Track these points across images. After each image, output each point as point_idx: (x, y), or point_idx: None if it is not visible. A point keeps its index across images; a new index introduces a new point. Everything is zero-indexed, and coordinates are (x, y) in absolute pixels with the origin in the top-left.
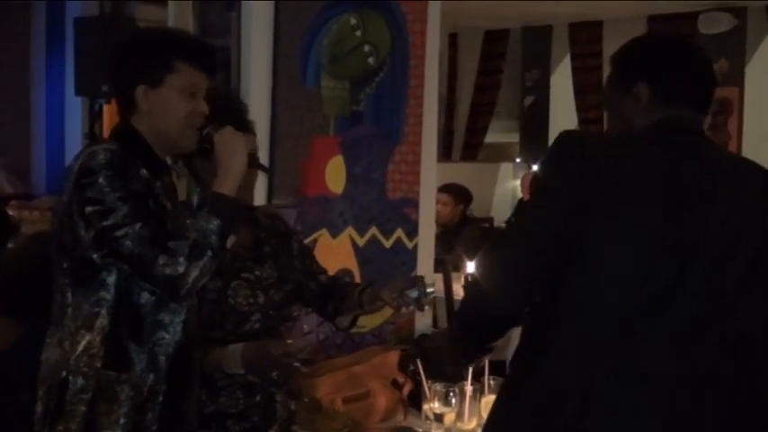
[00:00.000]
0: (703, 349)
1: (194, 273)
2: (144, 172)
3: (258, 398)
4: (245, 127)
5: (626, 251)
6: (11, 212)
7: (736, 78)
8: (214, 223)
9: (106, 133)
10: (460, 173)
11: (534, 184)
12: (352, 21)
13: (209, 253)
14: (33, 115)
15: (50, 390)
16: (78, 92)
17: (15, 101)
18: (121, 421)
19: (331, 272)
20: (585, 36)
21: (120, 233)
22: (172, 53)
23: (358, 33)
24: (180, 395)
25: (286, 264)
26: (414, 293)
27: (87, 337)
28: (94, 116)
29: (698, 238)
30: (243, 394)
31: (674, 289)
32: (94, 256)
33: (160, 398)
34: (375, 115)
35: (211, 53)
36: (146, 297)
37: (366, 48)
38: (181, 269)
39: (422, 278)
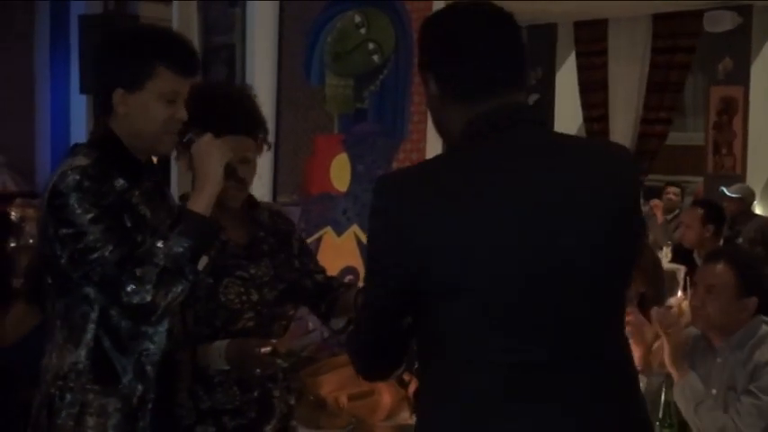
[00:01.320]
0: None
1: (164, 300)
2: (120, 182)
3: (255, 393)
4: (240, 130)
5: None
6: (14, 211)
7: (741, 77)
8: (184, 245)
9: None
10: None
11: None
12: (357, 18)
13: (181, 279)
14: (38, 113)
15: (43, 400)
16: (83, 89)
17: (19, 99)
18: None
19: (336, 270)
20: (590, 34)
21: (92, 257)
22: (154, 57)
23: (362, 31)
24: (168, 399)
25: (283, 262)
26: None
27: (74, 352)
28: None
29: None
30: (239, 390)
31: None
32: (72, 275)
33: (150, 405)
34: (379, 113)
35: (195, 57)
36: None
37: (370, 45)
38: (148, 297)
39: None
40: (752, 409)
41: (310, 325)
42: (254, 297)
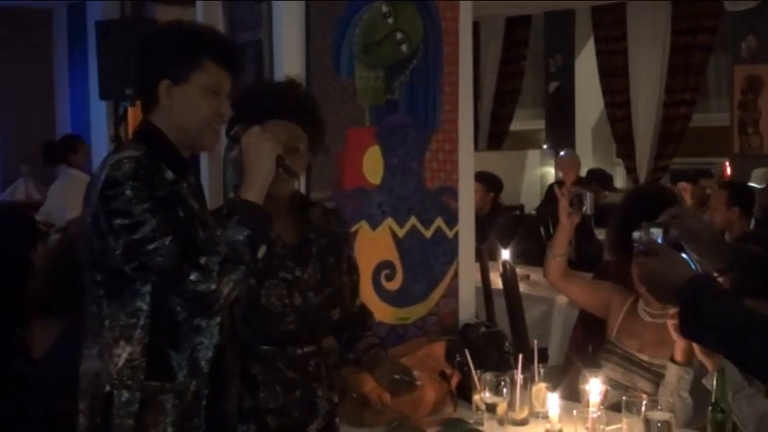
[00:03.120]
0: None
1: (227, 288)
2: (170, 174)
3: (298, 393)
4: (286, 115)
5: None
6: (38, 219)
7: (766, 55)
8: (244, 234)
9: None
10: (487, 162)
11: None
12: (384, 9)
13: (242, 267)
14: (58, 120)
15: (93, 403)
16: (103, 95)
17: (40, 108)
18: (169, 430)
19: (372, 265)
20: (609, 19)
21: (150, 247)
22: (200, 50)
23: (390, 21)
24: (221, 396)
25: (333, 266)
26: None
27: (128, 349)
28: (119, 119)
29: None
30: (282, 389)
31: None
32: (125, 268)
33: (204, 402)
34: (410, 104)
35: (239, 53)
36: (180, 304)
37: (398, 35)
38: (213, 285)
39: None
40: None
41: None
42: (298, 301)
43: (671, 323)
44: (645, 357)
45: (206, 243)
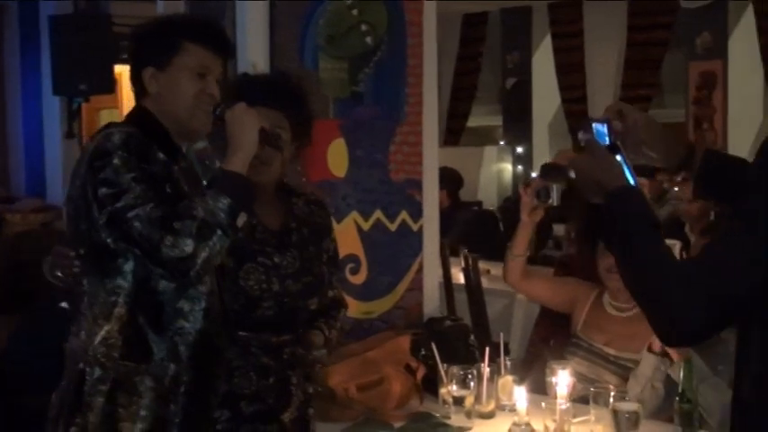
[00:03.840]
0: None
1: (203, 253)
2: (161, 156)
3: (272, 380)
4: (270, 102)
5: None
6: None
7: (720, 51)
8: (223, 201)
9: (85, 132)
10: (444, 158)
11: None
12: (348, 0)
13: (219, 232)
14: (10, 117)
15: (67, 381)
16: (56, 91)
17: None
18: (142, 413)
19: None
20: (565, 15)
21: (131, 214)
22: (179, 34)
23: (354, 13)
24: (204, 386)
25: (313, 256)
26: None
27: (105, 327)
28: (73, 115)
29: None
30: (256, 375)
31: None
32: (108, 240)
33: (182, 389)
34: (375, 96)
35: (221, 33)
36: (164, 284)
37: (363, 27)
38: (188, 249)
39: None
40: None
41: None
42: (276, 287)
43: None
44: (612, 351)
45: (183, 208)
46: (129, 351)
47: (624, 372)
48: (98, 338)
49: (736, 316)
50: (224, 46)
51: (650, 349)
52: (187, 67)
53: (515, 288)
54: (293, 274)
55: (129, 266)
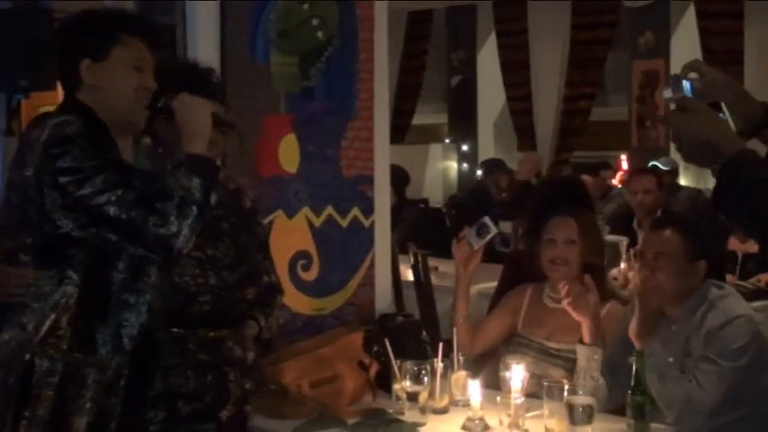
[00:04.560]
0: None
1: (185, 231)
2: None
3: (210, 377)
4: (206, 93)
5: None
6: None
7: (662, 50)
8: (196, 182)
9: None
10: (390, 156)
11: None
12: None
13: (195, 210)
14: None
15: (10, 373)
16: None
17: None
18: (88, 406)
19: (288, 255)
20: (510, 13)
21: (101, 200)
22: (116, 26)
23: (305, 7)
24: (144, 379)
25: (246, 244)
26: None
27: (52, 317)
28: (12, 112)
29: None
30: (194, 374)
31: None
32: (70, 227)
33: (122, 382)
34: (326, 91)
35: (155, 27)
36: (115, 275)
37: (314, 22)
38: (173, 228)
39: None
40: (712, 375)
41: None
42: (212, 280)
43: (566, 302)
44: (553, 345)
45: (159, 189)
46: (77, 343)
47: (569, 364)
48: (44, 329)
49: None
50: (157, 40)
51: (581, 341)
52: (125, 60)
53: (472, 352)
54: (229, 264)
55: (80, 256)
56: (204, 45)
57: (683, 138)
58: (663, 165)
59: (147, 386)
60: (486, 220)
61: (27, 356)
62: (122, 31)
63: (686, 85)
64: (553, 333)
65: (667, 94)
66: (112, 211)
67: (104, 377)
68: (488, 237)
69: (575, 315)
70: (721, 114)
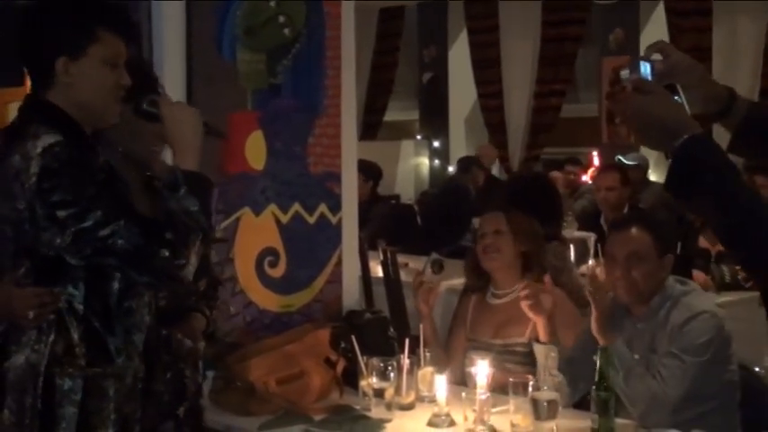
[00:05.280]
0: None
1: (193, 259)
2: (100, 159)
3: (169, 375)
4: (148, 85)
5: None
6: None
7: (632, 47)
8: (197, 204)
9: None
10: (361, 152)
11: None
12: None
13: (201, 236)
14: None
15: (25, 395)
16: None
17: None
18: (112, 417)
19: (255, 252)
20: (481, 11)
21: (104, 232)
22: (94, 20)
23: (272, 4)
24: (153, 377)
25: None
26: None
27: (66, 337)
28: None
29: None
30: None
31: None
32: (74, 259)
33: (140, 385)
34: (294, 88)
35: (131, 20)
36: (114, 286)
37: (281, 19)
38: (182, 259)
39: None
40: (676, 371)
41: (232, 309)
42: None
43: (524, 304)
44: (499, 341)
45: (167, 218)
46: (93, 357)
47: (520, 357)
48: (59, 348)
49: None
50: (134, 32)
51: (537, 339)
52: (102, 57)
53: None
54: None
55: (80, 274)
56: (170, 42)
57: (637, 119)
58: (628, 160)
59: (156, 383)
60: (438, 256)
61: (40, 380)
62: (101, 27)
63: (644, 67)
64: (498, 330)
65: (625, 74)
66: (119, 243)
67: (124, 385)
68: (442, 272)
69: (529, 314)
70: (677, 97)
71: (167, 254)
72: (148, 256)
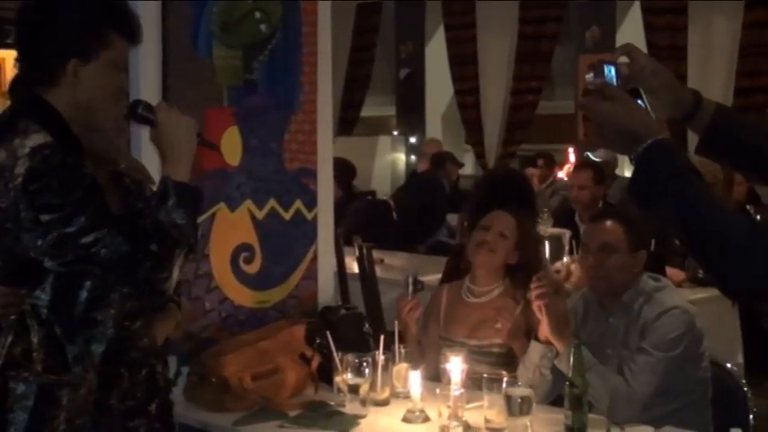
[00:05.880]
0: None
1: (176, 273)
2: (86, 164)
3: (143, 373)
4: None
5: None
6: None
7: (608, 45)
8: (185, 217)
9: None
10: (338, 147)
11: None
12: None
13: (186, 249)
14: None
15: None
16: None
17: None
18: (62, 427)
19: (230, 248)
20: (458, 7)
21: (88, 240)
22: (107, 24)
23: (248, 0)
24: (108, 390)
25: None
26: None
27: (26, 340)
28: None
29: None
30: (128, 371)
31: None
32: (54, 264)
33: (92, 398)
34: (270, 84)
35: (140, 24)
36: (83, 295)
37: (257, 14)
38: (166, 273)
39: None
40: (645, 366)
41: (207, 305)
42: None
43: (536, 305)
44: (475, 342)
45: (154, 229)
46: (50, 363)
47: (494, 358)
48: (17, 351)
49: None
50: (141, 37)
51: (536, 338)
52: (111, 62)
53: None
54: None
55: (50, 278)
56: (146, 37)
57: (602, 125)
58: (596, 156)
59: (112, 397)
60: (414, 275)
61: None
62: (113, 30)
63: (608, 70)
64: (473, 330)
65: (589, 78)
66: (102, 252)
67: (78, 396)
68: (421, 290)
69: (538, 314)
70: (640, 102)
71: (149, 266)
72: (131, 267)
